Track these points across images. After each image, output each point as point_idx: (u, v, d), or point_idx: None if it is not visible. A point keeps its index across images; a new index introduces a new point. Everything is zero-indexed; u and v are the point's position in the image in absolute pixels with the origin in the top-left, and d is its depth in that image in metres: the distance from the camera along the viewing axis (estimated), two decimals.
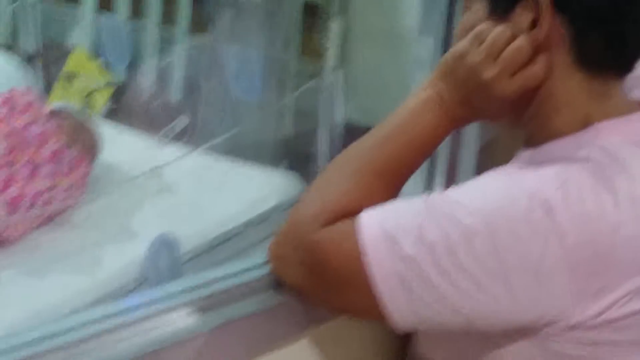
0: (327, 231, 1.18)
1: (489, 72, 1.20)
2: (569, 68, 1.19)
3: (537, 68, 1.19)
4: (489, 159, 1.63)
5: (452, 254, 1.12)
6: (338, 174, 1.25)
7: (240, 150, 2.16)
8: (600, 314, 1.13)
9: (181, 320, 1.19)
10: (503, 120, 1.30)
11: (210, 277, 1.27)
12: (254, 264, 1.31)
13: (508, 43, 1.19)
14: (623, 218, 1.12)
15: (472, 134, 1.60)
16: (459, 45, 1.23)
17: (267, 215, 1.99)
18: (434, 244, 1.12)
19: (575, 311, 1.12)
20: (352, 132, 2.08)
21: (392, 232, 1.14)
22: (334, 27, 2.27)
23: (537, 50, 1.19)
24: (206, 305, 1.22)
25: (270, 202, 2.04)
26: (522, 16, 1.18)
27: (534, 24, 1.18)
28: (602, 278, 1.12)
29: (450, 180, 1.64)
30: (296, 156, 2.15)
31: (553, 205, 1.11)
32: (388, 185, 1.25)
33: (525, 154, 1.25)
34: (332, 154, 2.04)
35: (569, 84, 1.20)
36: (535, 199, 1.12)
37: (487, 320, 1.15)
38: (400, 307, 1.15)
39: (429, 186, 1.62)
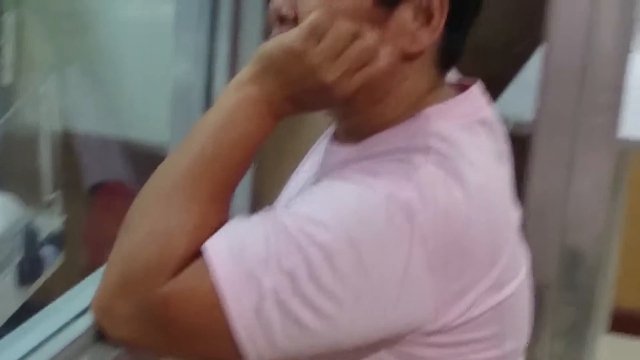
0: (177, 282, 1.04)
1: (331, 76, 1.09)
2: (429, 65, 1.16)
3: (381, 65, 1.11)
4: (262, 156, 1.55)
5: (314, 278, 1.03)
6: (164, 207, 1.08)
7: None
8: (462, 314, 1.10)
9: None
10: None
11: (26, 348, 1.09)
12: (66, 319, 1.15)
13: (351, 40, 1.09)
14: (473, 210, 1.09)
15: None
16: (292, 39, 1.10)
17: None
18: (294, 271, 1.02)
19: (438, 315, 1.08)
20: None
21: (247, 266, 1.03)
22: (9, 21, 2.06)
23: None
24: None
25: None
26: (406, 12, 1.12)
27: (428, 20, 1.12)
28: (462, 277, 1.09)
29: None
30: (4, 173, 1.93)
31: (412, 208, 1.05)
32: (223, 206, 1.11)
33: (348, 150, 1.17)
34: (55, 164, 1.84)
35: (422, 79, 1.16)
36: (394, 203, 1.05)
37: (354, 340, 1.07)
38: (259, 346, 1.04)
39: None
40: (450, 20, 1.13)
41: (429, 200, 1.07)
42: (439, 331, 1.10)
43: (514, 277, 1.16)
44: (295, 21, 1.12)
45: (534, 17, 2.11)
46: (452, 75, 1.25)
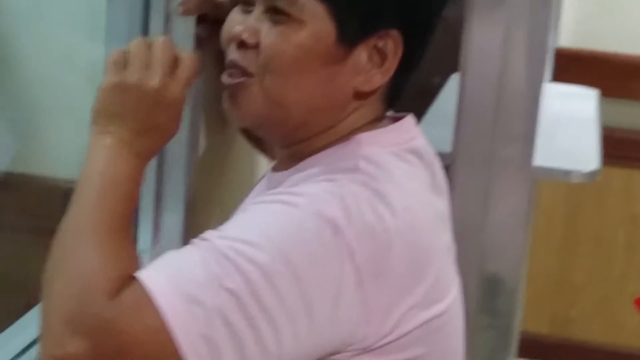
0: (119, 305, 1.04)
1: (153, 81, 1.15)
2: (376, 101, 1.22)
3: (190, 59, 1.18)
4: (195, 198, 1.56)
5: (255, 296, 1.05)
6: (78, 252, 1.09)
7: None
8: (389, 332, 1.12)
9: None
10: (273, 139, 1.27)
11: None
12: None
13: (151, 48, 1.17)
14: (398, 229, 1.13)
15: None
16: (106, 81, 1.16)
17: None
18: (236, 290, 1.04)
19: (366, 333, 1.11)
20: None
21: (189, 291, 1.04)
22: None
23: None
24: None
25: None
26: (363, 53, 1.18)
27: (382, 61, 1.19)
28: (387, 294, 1.12)
29: (158, 211, 1.55)
30: None
31: (338, 224, 1.09)
32: (128, 232, 1.14)
33: (283, 174, 1.22)
34: None
35: (367, 114, 1.22)
36: (321, 219, 1.09)
37: (294, 356, 1.09)
38: None
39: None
40: (401, 61, 1.17)
41: (355, 217, 1.10)
42: (366, 350, 1.12)
43: (442, 298, 1.20)
44: (256, 48, 1.18)
45: (447, 48, 2.15)
46: None
